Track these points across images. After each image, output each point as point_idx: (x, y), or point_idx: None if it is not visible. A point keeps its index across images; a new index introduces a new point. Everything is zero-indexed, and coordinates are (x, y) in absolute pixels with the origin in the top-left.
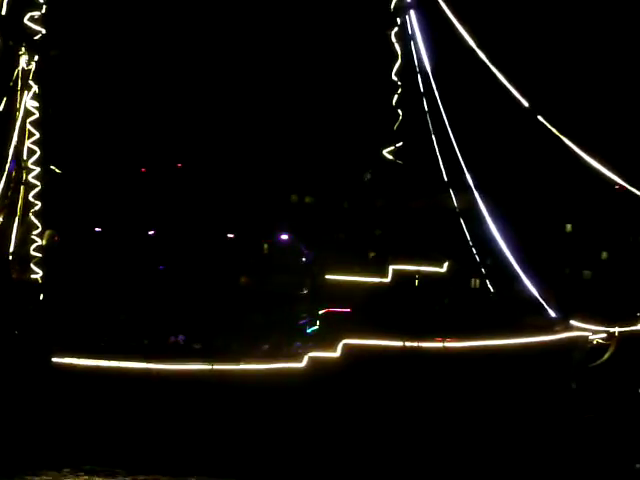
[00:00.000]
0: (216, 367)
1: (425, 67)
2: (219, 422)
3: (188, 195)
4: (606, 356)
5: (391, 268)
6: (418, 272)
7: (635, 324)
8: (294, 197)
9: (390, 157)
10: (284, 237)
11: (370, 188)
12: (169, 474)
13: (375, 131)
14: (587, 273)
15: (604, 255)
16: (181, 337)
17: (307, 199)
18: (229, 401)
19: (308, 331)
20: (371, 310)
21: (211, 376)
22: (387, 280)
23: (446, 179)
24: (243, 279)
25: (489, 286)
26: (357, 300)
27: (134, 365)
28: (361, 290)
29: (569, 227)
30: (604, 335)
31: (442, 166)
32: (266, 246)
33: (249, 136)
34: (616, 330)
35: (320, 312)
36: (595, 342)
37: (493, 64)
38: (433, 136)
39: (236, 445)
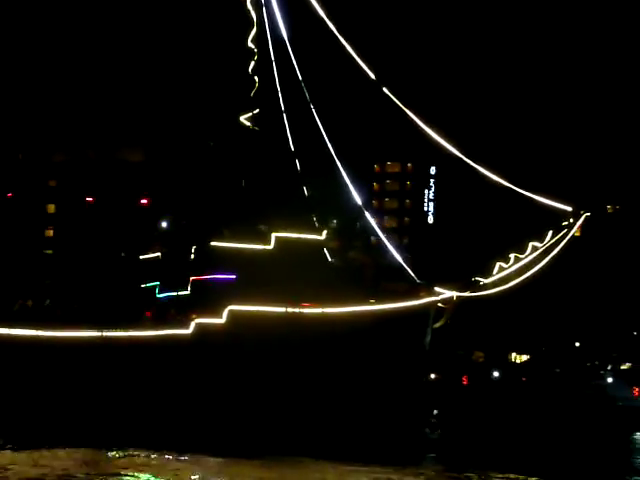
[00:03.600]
0: (106, 334)
1: (280, 35)
2: (108, 387)
3: None
4: (443, 319)
5: (274, 235)
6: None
7: (473, 289)
8: None
9: (247, 123)
10: (143, 202)
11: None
12: (62, 445)
13: (230, 97)
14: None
15: None
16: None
17: None
18: (119, 366)
19: (160, 296)
20: (255, 276)
21: (101, 342)
22: (270, 247)
23: (292, 148)
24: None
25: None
26: (241, 266)
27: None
28: (245, 257)
29: None
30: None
31: (289, 135)
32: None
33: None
34: (454, 295)
35: (191, 279)
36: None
37: (344, 36)
38: (282, 104)
39: (124, 408)
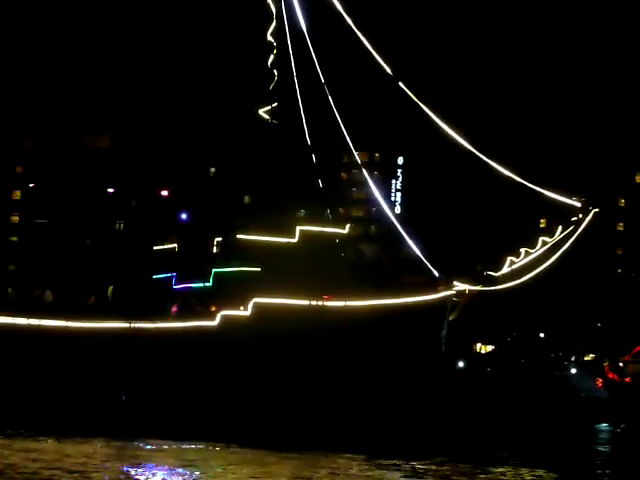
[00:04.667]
0: (135, 325)
1: (300, 28)
2: (137, 377)
3: None
4: (455, 312)
5: (298, 228)
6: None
7: (486, 282)
8: None
9: (266, 116)
10: (164, 193)
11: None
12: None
13: (249, 91)
14: None
15: None
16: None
17: None
18: (148, 357)
19: (177, 287)
20: (280, 269)
21: (130, 333)
22: (294, 240)
23: (309, 141)
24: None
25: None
26: (267, 259)
27: (54, 323)
28: (271, 249)
29: None
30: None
31: (305, 126)
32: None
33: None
34: (467, 288)
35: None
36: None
37: (361, 30)
38: (299, 96)
39: (156, 399)
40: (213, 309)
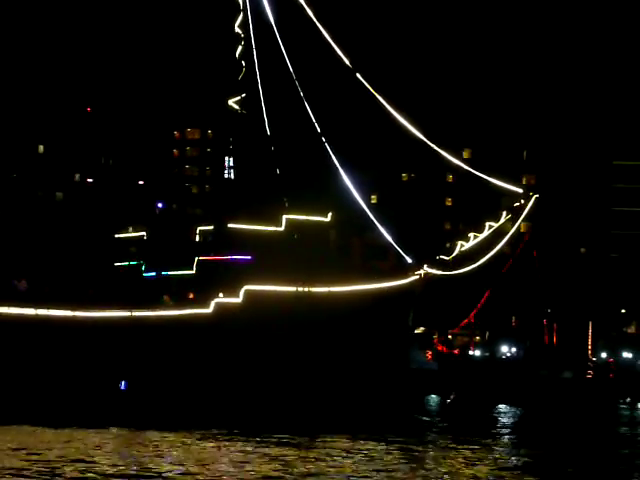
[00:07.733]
0: (135, 314)
1: (265, 19)
2: (139, 363)
3: None
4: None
5: (284, 217)
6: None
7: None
8: None
9: (236, 107)
10: (140, 183)
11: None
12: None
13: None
14: None
15: None
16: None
17: None
18: (148, 343)
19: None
20: (269, 257)
21: (131, 321)
22: (281, 229)
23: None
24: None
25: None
26: (256, 248)
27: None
28: (260, 238)
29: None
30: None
31: (265, 117)
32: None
33: None
34: (422, 272)
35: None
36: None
37: (324, 23)
38: (260, 88)
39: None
40: (191, 296)
